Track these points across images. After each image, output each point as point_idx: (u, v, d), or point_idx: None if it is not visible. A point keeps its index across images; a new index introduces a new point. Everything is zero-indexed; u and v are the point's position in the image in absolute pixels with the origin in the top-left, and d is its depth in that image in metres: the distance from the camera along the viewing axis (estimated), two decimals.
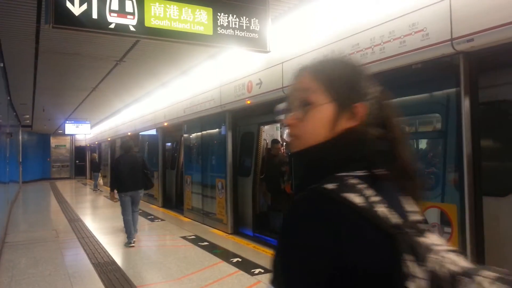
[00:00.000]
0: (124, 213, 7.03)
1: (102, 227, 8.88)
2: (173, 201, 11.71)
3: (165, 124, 11.08)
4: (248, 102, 6.74)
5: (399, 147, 0.90)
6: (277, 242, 0.83)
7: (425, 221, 0.86)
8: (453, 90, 3.69)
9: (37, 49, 6.59)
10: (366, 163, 0.86)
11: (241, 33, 4.09)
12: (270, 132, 9.02)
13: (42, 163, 26.64)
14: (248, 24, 4.12)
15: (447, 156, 3.88)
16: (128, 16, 3.67)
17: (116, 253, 6.48)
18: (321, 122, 0.89)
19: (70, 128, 18.89)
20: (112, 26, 3.60)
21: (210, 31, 3.98)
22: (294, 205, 0.82)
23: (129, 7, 3.66)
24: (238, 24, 4.08)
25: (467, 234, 3.44)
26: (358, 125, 0.89)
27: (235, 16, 4.07)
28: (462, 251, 0.82)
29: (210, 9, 3.98)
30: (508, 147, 4.01)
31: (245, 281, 4.87)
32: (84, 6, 3.48)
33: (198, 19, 3.93)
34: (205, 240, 7.11)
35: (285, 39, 5.54)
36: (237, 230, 7.70)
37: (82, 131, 20.14)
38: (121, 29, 3.65)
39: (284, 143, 8.80)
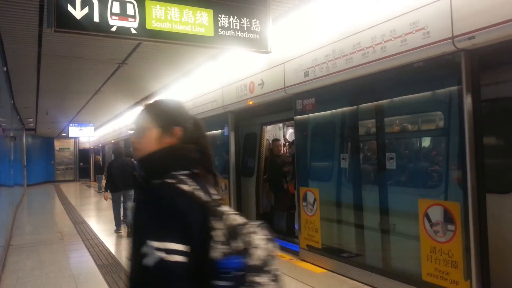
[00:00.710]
0: (113, 208, 8.33)
1: (106, 229, 8.90)
2: None
3: None
4: (250, 102, 6.75)
5: (206, 155, 1.47)
6: (140, 212, 1.36)
7: (219, 199, 1.44)
8: (455, 88, 3.69)
9: (40, 52, 6.62)
10: (187, 165, 1.40)
11: (242, 34, 4.10)
12: (272, 132, 9.02)
13: (46, 166, 26.73)
14: (249, 25, 4.13)
15: (450, 154, 3.88)
16: (130, 19, 3.68)
17: (120, 255, 6.50)
18: (151, 140, 1.44)
19: (73, 131, 18.95)
20: (113, 29, 3.62)
21: (211, 33, 3.99)
22: (152, 190, 1.35)
23: (130, 10, 3.68)
24: (239, 25, 4.09)
25: (471, 231, 3.43)
26: (176, 142, 1.44)
27: (235, 17, 4.08)
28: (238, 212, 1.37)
29: (211, 11, 3.99)
30: (511, 144, 4.01)
31: None
32: (86, 10, 3.50)
33: (199, 21, 3.94)
34: None
35: (286, 39, 5.55)
36: None
37: (85, 134, 20.18)
38: (122, 32, 3.66)
39: (287, 143, 8.81)
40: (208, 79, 8.14)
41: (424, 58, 3.80)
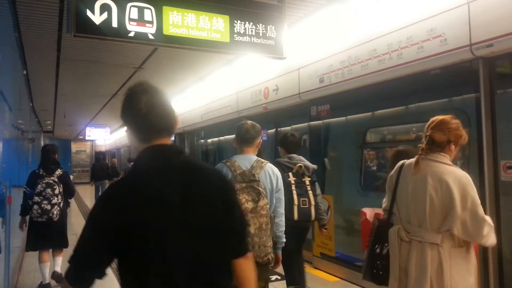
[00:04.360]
0: (96, 193, 13.65)
1: None
2: None
3: (183, 130, 11.18)
4: (265, 108, 6.76)
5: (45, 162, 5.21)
6: None
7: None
8: (472, 95, 3.64)
9: (59, 57, 6.74)
10: (42, 163, 5.26)
11: (257, 40, 4.11)
12: None
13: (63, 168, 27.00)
14: (265, 31, 4.14)
15: (468, 162, 3.82)
16: (147, 25, 3.72)
17: None
18: None
19: (90, 133, 19.22)
20: (131, 34, 3.66)
21: (227, 39, 4.01)
22: None
23: (148, 16, 3.72)
24: (255, 31, 4.10)
25: None
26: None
27: (251, 23, 4.09)
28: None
29: (227, 17, 4.01)
30: None
31: None
32: (105, 15, 3.55)
33: (215, 27, 3.97)
34: None
35: (301, 45, 5.55)
36: None
37: (102, 137, 20.44)
38: (140, 37, 3.70)
39: None
40: (223, 84, 8.18)
41: (441, 65, 3.77)
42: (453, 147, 2.48)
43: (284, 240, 3.00)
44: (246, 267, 1.56)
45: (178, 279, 1.37)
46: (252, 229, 2.68)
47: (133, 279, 1.40)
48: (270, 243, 2.80)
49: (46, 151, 5.25)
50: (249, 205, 2.69)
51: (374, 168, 5.50)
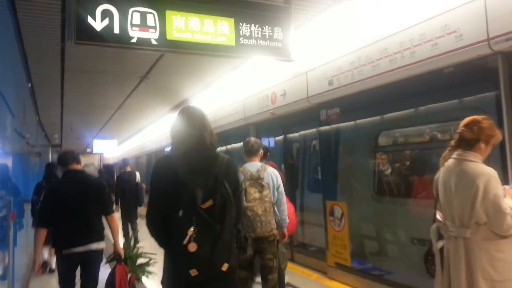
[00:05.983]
0: None
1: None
2: None
3: None
4: (273, 113, 6.62)
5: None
6: None
7: None
8: (492, 93, 3.47)
9: (63, 68, 6.67)
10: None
11: (264, 43, 3.98)
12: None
13: None
14: (271, 33, 4.01)
15: (489, 163, 3.63)
16: (150, 30, 3.61)
17: None
18: None
19: (98, 146, 19.17)
20: (134, 40, 3.55)
21: (232, 42, 3.89)
22: None
23: (150, 21, 3.61)
24: (261, 33, 3.97)
25: None
26: None
27: (257, 25, 3.96)
28: None
29: (232, 20, 3.89)
30: None
31: None
32: (106, 22, 3.45)
33: (220, 30, 3.85)
34: None
35: (308, 47, 5.40)
36: None
37: (109, 149, 20.40)
38: (143, 43, 3.59)
39: None
40: (230, 91, 8.06)
41: (457, 62, 3.60)
42: (483, 145, 2.63)
43: (287, 221, 4.08)
44: (112, 220, 3.85)
45: (75, 225, 3.59)
46: (259, 211, 3.73)
47: (55, 227, 3.64)
48: (273, 222, 3.82)
49: (49, 168, 6.43)
50: (256, 195, 3.78)
51: (388, 172, 5.31)
